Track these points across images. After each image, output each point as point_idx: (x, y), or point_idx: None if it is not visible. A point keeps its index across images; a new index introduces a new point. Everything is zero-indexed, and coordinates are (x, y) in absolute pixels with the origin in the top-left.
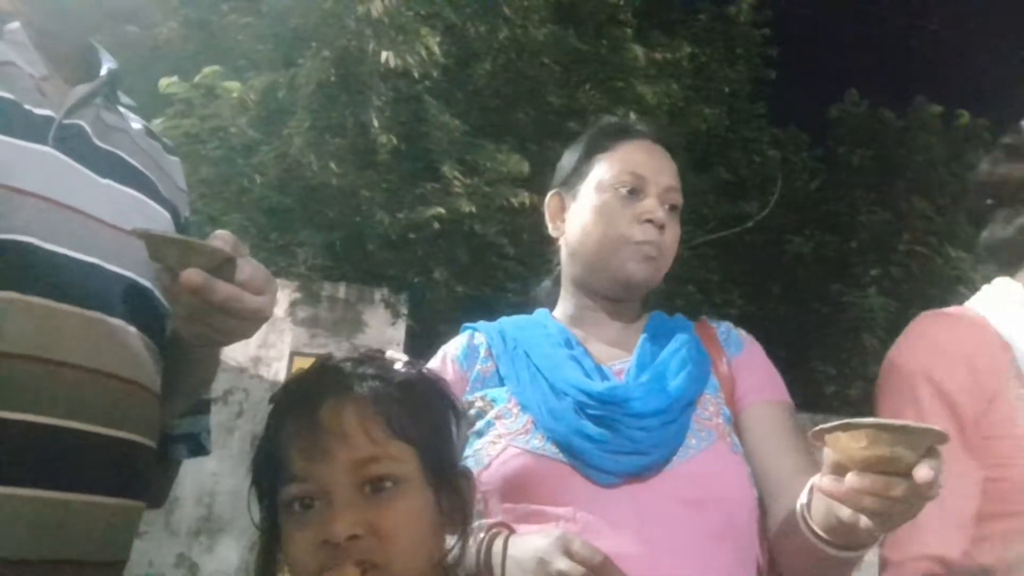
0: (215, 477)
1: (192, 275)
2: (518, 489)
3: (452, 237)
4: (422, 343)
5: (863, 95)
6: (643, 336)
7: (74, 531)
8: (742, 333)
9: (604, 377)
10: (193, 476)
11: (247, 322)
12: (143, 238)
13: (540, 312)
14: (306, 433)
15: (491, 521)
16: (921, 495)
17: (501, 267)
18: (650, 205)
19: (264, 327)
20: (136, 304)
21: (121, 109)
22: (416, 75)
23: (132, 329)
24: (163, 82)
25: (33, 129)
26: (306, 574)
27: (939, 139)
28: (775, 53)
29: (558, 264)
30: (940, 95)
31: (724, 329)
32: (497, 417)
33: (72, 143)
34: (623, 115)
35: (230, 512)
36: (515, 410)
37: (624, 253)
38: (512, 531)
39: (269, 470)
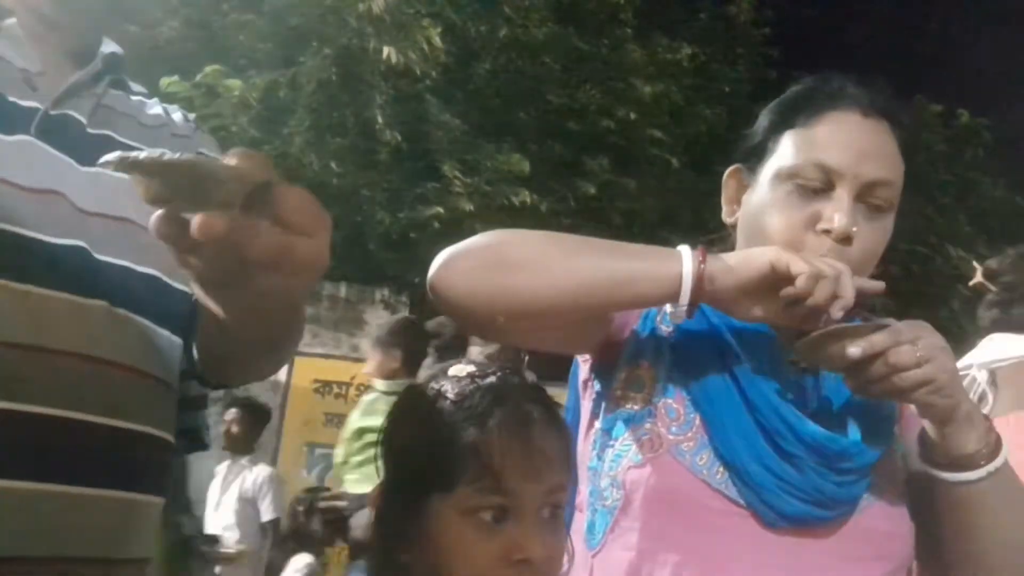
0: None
1: (209, 223)
2: (666, 511)
3: (453, 236)
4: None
5: None
6: None
7: (74, 526)
8: None
9: (800, 394)
10: (193, 476)
11: (301, 277)
12: (123, 169)
13: None
14: (520, 450)
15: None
16: (889, 370)
17: None
18: (836, 209)
19: None
20: (136, 290)
21: (134, 97)
22: (418, 72)
23: (132, 316)
24: (164, 81)
25: (14, 121)
26: None
27: (939, 139)
28: (775, 53)
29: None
30: (940, 95)
31: None
32: (658, 410)
33: (58, 133)
34: (623, 115)
35: None
36: (681, 409)
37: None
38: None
39: (447, 468)
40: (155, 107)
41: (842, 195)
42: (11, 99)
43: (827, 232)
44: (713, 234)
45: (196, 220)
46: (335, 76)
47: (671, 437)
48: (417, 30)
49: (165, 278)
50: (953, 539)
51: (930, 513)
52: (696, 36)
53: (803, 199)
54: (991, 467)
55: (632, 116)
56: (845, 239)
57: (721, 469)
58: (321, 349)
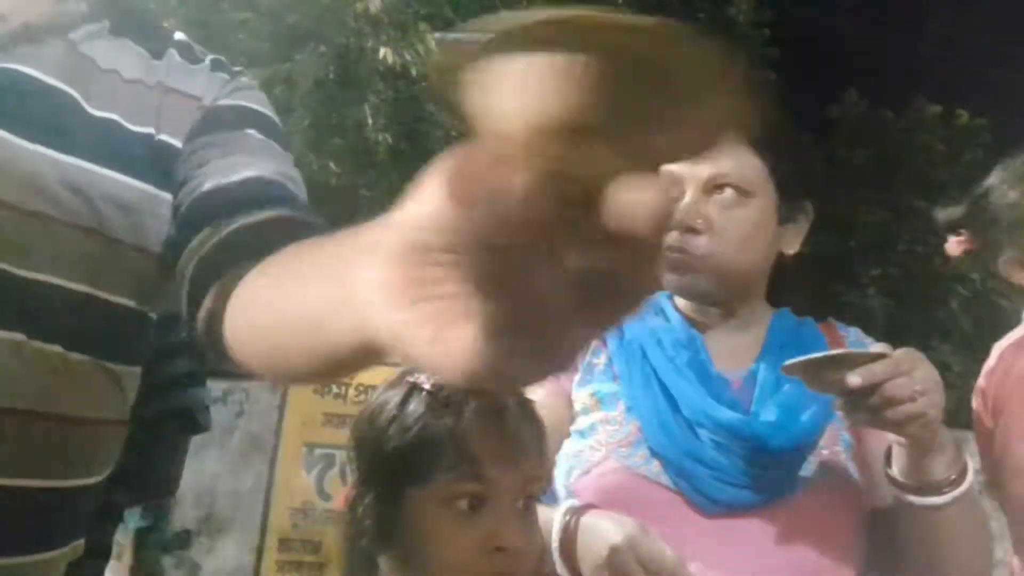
0: (215, 477)
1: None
2: (612, 507)
3: None
4: None
5: (863, 95)
6: (766, 345)
7: None
8: (873, 343)
9: (725, 389)
10: (192, 476)
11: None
12: None
13: (660, 295)
14: (497, 438)
15: (579, 504)
16: (885, 400)
17: None
18: (681, 207)
19: None
20: (60, 315)
21: (141, 47)
22: (414, 73)
23: (49, 347)
24: None
25: None
26: (462, 573)
27: (939, 139)
28: (775, 53)
29: None
30: (940, 95)
31: (855, 338)
32: (603, 421)
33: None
34: None
35: (230, 512)
36: (620, 417)
37: (661, 264)
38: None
39: (424, 456)
40: (166, 55)
41: (689, 192)
42: None
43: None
44: None
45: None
46: (332, 76)
47: (612, 443)
48: (413, 33)
49: (102, 294)
50: (911, 558)
51: (891, 529)
52: None
53: None
54: (956, 493)
55: None
56: (689, 229)
57: (657, 463)
58: None
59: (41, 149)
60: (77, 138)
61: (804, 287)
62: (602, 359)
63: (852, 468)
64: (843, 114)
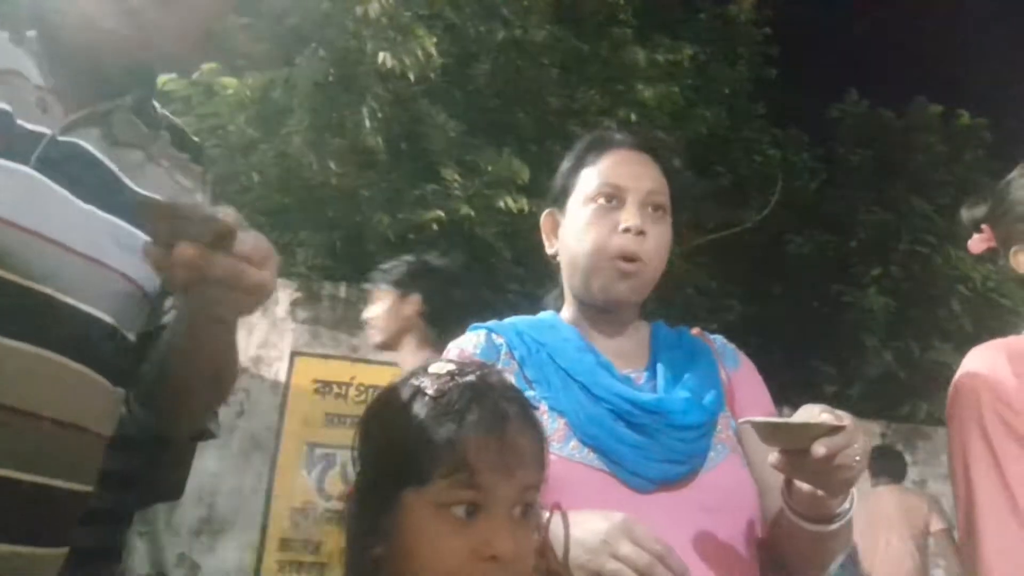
0: (215, 477)
1: (185, 249)
2: (556, 494)
3: (452, 239)
4: None
5: (863, 95)
6: (654, 347)
7: None
8: (735, 348)
9: (631, 383)
10: (193, 476)
11: (249, 296)
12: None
13: (548, 314)
14: (495, 447)
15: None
16: (830, 466)
17: (500, 269)
18: (628, 213)
19: (264, 327)
20: (91, 341)
21: (147, 128)
22: (412, 77)
23: (79, 367)
24: (161, 79)
25: (17, 146)
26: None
27: (939, 139)
28: (775, 53)
29: (559, 275)
30: (940, 95)
31: (720, 343)
32: None
33: (62, 164)
34: (623, 117)
35: (230, 512)
36: (545, 417)
37: (605, 270)
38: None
39: (423, 461)
40: (167, 131)
41: (631, 203)
42: (19, 121)
43: (627, 231)
44: (712, 234)
45: (176, 249)
46: (332, 77)
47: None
48: (413, 37)
49: (123, 330)
50: (790, 551)
51: (774, 526)
52: (696, 36)
53: (604, 213)
54: (845, 520)
55: (632, 117)
56: (640, 233)
57: (589, 450)
58: (321, 349)
59: (88, 206)
60: (116, 201)
61: (804, 287)
62: (511, 368)
63: (741, 451)
64: (843, 114)
